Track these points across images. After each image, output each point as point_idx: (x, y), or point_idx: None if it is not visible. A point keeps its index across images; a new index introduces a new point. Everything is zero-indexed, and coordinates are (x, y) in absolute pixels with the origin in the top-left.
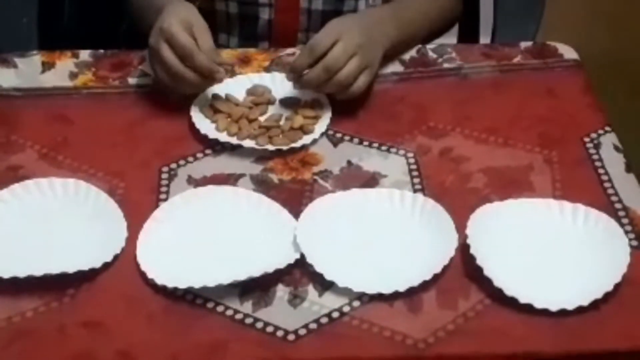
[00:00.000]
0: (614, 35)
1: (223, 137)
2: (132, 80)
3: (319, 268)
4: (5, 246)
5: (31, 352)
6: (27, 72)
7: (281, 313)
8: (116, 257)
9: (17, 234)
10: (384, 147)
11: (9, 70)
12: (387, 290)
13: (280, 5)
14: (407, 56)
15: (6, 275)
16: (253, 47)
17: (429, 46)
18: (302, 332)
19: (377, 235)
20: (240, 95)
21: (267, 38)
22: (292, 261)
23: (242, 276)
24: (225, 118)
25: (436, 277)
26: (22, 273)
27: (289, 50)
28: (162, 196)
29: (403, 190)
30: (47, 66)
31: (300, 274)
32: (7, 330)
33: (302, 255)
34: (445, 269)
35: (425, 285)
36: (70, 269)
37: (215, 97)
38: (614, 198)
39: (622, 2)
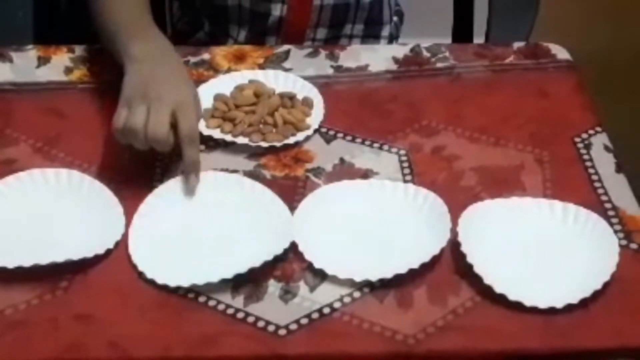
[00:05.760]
0: (608, 36)
1: (216, 133)
2: None
3: (310, 258)
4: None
5: (23, 344)
6: (23, 66)
7: (272, 308)
8: (109, 251)
9: (11, 226)
10: (376, 145)
11: (4, 64)
12: (373, 277)
13: (293, 3)
14: (400, 55)
15: None
16: (261, 41)
17: (423, 45)
18: (293, 327)
19: (371, 227)
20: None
21: (276, 33)
22: (280, 252)
23: (231, 272)
24: (219, 115)
25: (426, 273)
26: (11, 264)
27: (285, 47)
28: None
29: None
30: (42, 61)
31: (291, 269)
32: (0, 322)
33: (295, 250)
34: (436, 265)
35: (415, 281)
36: (65, 257)
37: (209, 94)
38: (604, 198)
39: (617, 1)
